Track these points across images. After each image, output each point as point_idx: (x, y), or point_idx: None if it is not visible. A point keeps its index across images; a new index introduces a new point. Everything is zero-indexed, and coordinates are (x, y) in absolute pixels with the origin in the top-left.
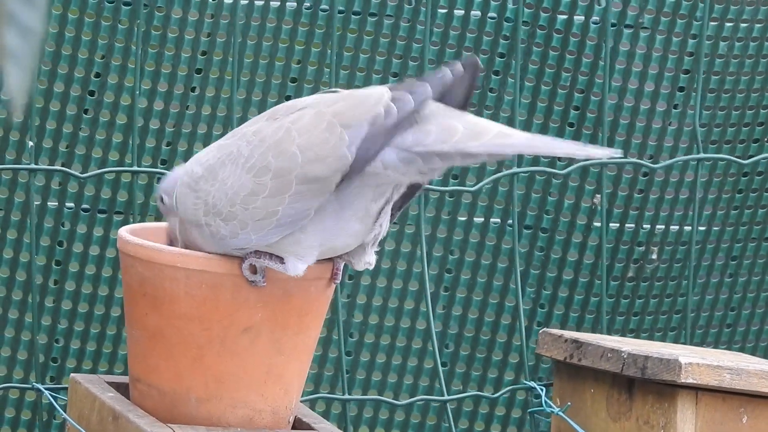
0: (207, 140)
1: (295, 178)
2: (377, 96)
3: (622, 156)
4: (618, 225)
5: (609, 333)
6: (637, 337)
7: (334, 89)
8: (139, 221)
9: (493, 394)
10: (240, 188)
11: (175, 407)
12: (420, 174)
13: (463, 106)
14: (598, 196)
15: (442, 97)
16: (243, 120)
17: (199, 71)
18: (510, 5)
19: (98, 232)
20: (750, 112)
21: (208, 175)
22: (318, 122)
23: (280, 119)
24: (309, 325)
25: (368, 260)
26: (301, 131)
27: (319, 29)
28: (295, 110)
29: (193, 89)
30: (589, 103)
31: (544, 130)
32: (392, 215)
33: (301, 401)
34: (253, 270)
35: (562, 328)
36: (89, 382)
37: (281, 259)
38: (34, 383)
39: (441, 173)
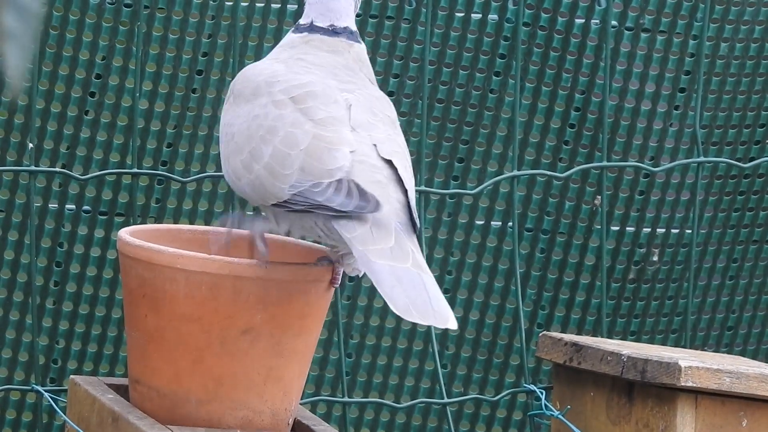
0: (208, 141)
1: (255, 170)
2: (336, 167)
3: (623, 159)
4: (619, 227)
5: (610, 335)
6: (638, 339)
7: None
8: (140, 223)
9: (493, 396)
10: (237, 135)
11: (175, 409)
12: (338, 246)
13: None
14: (599, 198)
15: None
16: None
17: (200, 73)
18: (511, 6)
19: (99, 233)
20: (751, 113)
21: (233, 101)
22: (298, 141)
23: (295, 109)
24: (309, 327)
25: (357, 266)
26: (285, 140)
27: None
28: (312, 117)
29: (194, 91)
30: (590, 104)
31: (545, 131)
32: None
33: (302, 403)
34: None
35: (563, 330)
36: (89, 384)
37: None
38: (34, 385)
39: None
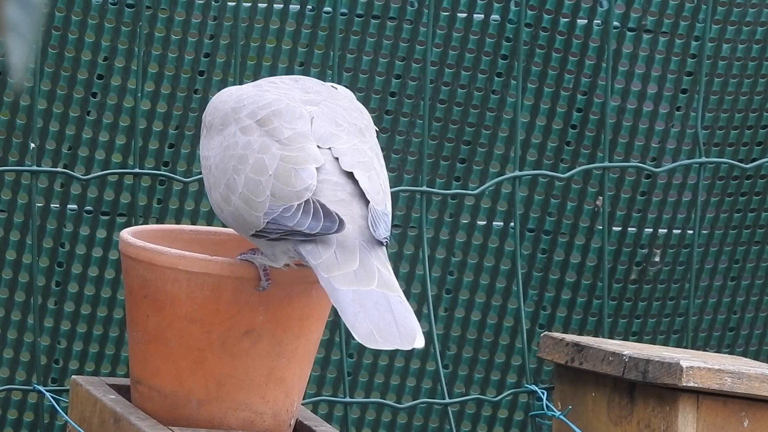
0: None
1: (233, 201)
2: (303, 188)
3: (624, 160)
4: (620, 228)
5: (611, 336)
6: (639, 340)
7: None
8: (142, 223)
9: (495, 397)
10: (213, 168)
11: (176, 409)
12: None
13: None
14: (601, 198)
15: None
16: None
17: (201, 73)
18: (513, 7)
19: (101, 234)
20: (753, 114)
21: (206, 134)
22: (266, 166)
23: (261, 133)
24: (310, 328)
25: None
26: (255, 168)
27: (322, 31)
28: (278, 138)
29: (196, 91)
30: (592, 105)
31: (547, 132)
32: None
33: (303, 404)
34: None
35: (565, 330)
36: (90, 384)
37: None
38: (35, 385)
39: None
